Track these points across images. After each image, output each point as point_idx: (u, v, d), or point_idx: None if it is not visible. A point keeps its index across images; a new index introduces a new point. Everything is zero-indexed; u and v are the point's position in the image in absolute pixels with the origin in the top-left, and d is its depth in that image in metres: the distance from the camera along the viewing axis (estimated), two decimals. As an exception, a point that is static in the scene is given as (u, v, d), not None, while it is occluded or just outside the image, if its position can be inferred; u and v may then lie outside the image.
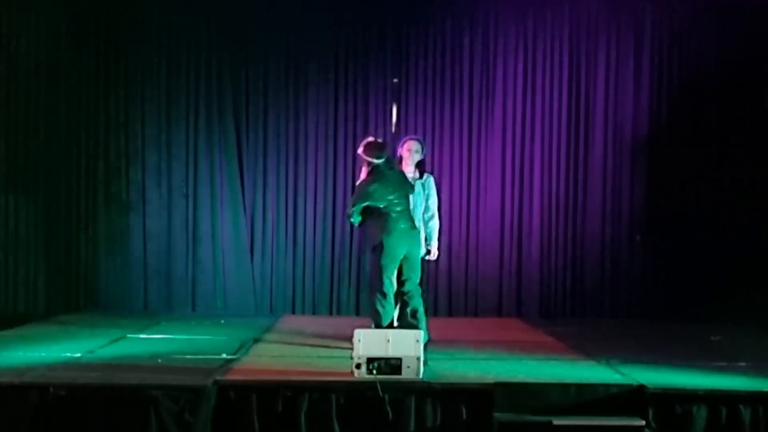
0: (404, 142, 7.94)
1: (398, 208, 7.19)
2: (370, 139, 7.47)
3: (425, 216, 7.82)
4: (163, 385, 5.87)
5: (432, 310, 9.28)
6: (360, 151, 7.34)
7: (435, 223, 7.88)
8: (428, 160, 9.97)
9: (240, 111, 10.10)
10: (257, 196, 10.11)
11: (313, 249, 10.09)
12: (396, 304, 7.31)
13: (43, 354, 7.01)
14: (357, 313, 9.89)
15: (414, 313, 7.23)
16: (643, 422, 5.81)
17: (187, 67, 10.09)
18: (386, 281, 7.12)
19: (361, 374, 6.01)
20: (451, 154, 10.16)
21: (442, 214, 9.97)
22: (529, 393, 5.95)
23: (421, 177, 7.87)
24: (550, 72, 10.18)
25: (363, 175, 7.32)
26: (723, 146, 10.03)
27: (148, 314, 9.71)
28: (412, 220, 7.38)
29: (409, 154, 7.80)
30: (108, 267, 10.04)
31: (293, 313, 10.04)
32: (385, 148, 7.36)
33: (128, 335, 8.16)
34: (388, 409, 5.87)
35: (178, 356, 7.09)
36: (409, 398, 5.92)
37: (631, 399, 5.92)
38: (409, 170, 7.80)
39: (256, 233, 10.10)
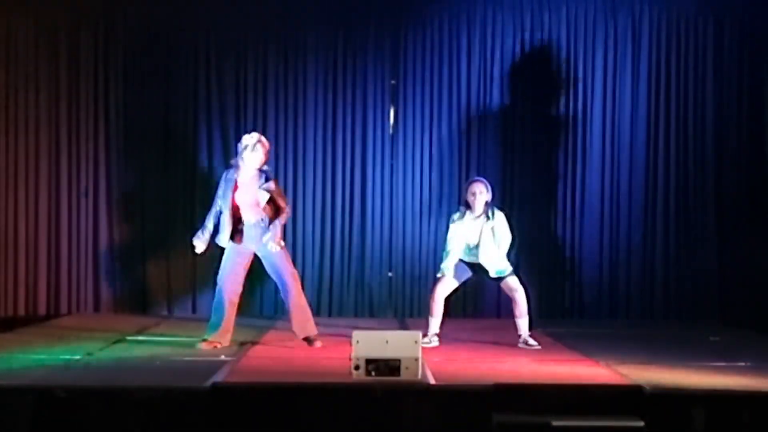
0: (468, 185, 7.95)
1: None
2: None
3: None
4: (162, 387, 5.87)
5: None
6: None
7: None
8: (427, 160, 10.07)
9: (239, 112, 10.09)
10: (256, 197, 10.10)
11: (312, 250, 10.08)
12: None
13: (42, 356, 7.02)
14: (356, 315, 9.90)
15: None
16: (642, 422, 5.80)
17: (186, 68, 10.08)
18: None
19: (360, 375, 6.01)
20: (450, 155, 10.15)
21: (443, 214, 10.06)
22: (528, 394, 5.95)
23: (488, 218, 7.81)
24: (548, 74, 10.17)
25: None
26: (722, 147, 10.03)
27: (147, 316, 9.72)
28: None
29: (474, 197, 7.79)
30: (108, 269, 10.04)
31: (292, 314, 10.04)
32: None
33: (127, 337, 8.16)
34: (387, 410, 5.87)
35: (176, 358, 7.09)
36: (408, 399, 5.92)
37: (630, 399, 5.91)
38: (478, 213, 7.78)
39: (255, 234, 10.08)
